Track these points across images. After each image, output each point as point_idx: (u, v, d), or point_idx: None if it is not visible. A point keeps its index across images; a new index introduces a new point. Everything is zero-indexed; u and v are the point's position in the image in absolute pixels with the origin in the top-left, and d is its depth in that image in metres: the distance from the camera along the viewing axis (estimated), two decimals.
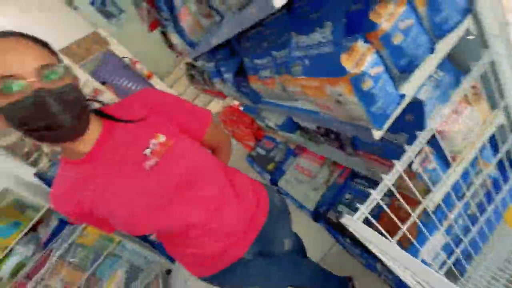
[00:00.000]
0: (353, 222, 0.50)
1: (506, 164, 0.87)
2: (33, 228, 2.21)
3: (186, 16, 1.02)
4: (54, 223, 2.18)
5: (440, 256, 0.92)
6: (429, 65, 0.64)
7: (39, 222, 2.26)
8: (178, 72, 5.21)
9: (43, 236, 2.18)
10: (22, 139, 2.45)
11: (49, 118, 0.50)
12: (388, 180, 0.65)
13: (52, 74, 0.51)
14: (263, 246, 0.84)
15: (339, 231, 1.11)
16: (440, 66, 0.78)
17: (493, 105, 0.82)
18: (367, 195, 1.14)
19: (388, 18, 0.55)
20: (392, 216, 0.70)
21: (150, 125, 0.65)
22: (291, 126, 1.38)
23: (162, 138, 0.64)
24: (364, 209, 0.62)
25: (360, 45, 0.53)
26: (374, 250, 0.55)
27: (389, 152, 0.82)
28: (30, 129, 0.51)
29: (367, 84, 0.55)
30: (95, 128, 0.62)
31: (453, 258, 0.89)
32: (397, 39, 0.57)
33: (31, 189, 2.04)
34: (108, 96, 3.59)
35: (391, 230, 0.99)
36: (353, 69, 0.53)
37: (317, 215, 1.29)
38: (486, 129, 0.82)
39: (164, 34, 2.36)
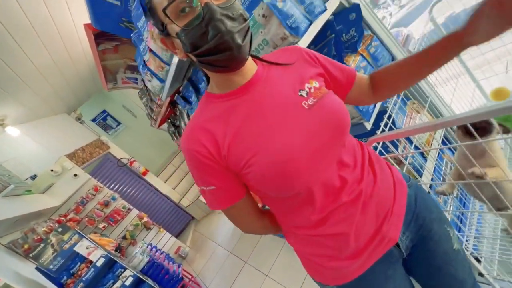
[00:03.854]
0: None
1: None
2: None
3: None
4: None
5: None
6: None
7: None
8: (171, 169, 5.58)
9: None
10: (23, 237, 2.36)
11: (223, 33, 0.47)
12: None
13: None
14: (418, 231, 0.63)
15: None
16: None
17: (434, 115, 1.25)
18: None
19: (352, 62, 1.02)
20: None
21: (303, 71, 0.61)
22: None
23: (316, 84, 0.59)
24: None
25: None
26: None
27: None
28: (199, 53, 0.50)
29: None
30: (251, 65, 0.59)
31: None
32: (361, 72, 1.02)
33: (30, 285, 1.86)
34: (106, 191, 3.69)
35: None
36: None
37: None
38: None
39: (174, 125, 2.86)
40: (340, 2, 1.06)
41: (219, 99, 0.58)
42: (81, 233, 2.17)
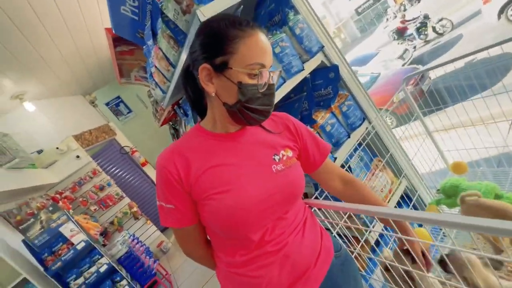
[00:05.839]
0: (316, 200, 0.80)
1: None
2: None
3: None
4: None
5: None
6: (349, 144, 1.17)
7: None
8: None
9: None
10: (17, 209, 2.54)
11: (268, 106, 0.63)
12: None
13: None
14: None
15: None
16: (363, 149, 1.32)
17: (395, 174, 1.32)
18: None
19: (321, 118, 1.12)
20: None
21: (283, 139, 0.72)
22: None
23: (290, 153, 0.70)
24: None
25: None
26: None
27: None
28: (247, 106, 0.60)
29: None
30: None
31: None
32: (328, 128, 1.12)
33: (13, 256, 2.02)
34: (104, 176, 3.87)
35: None
36: None
37: None
38: (397, 188, 1.29)
39: (174, 128, 3.02)
40: (322, 61, 1.17)
41: (209, 136, 0.67)
42: (69, 215, 2.32)
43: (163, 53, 1.40)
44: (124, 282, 2.39)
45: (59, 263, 2.13)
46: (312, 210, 0.82)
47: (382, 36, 11.68)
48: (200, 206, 0.63)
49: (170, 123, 3.13)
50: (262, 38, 0.59)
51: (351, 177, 0.81)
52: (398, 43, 8.34)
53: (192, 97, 0.72)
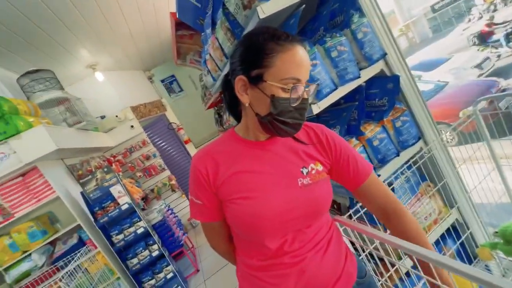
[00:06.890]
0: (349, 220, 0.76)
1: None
2: (52, 242, 2.41)
3: None
4: (73, 241, 2.38)
5: None
6: (396, 162, 1.08)
7: (58, 238, 2.47)
8: None
9: (57, 252, 2.35)
10: (80, 164, 2.95)
11: (299, 120, 0.61)
12: None
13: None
14: None
15: None
16: (412, 170, 1.20)
17: (446, 203, 1.18)
18: None
19: (370, 131, 1.04)
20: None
21: (315, 151, 0.70)
22: None
23: (320, 167, 0.68)
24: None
25: (353, 141, 1.01)
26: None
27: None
28: (278, 119, 0.60)
29: None
30: None
31: None
32: (375, 143, 1.04)
33: (73, 204, 2.37)
34: (151, 147, 4.24)
35: None
36: None
37: None
38: (444, 220, 1.16)
39: (219, 114, 3.12)
40: (382, 69, 1.08)
41: (240, 142, 0.70)
42: (119, 179, 2.61)
43: (219, 43, 1.43)
44: (155, 246, 2.64)
45: (106, 218, 2.43)
46: (342, 228, 0.78)
47: (458, 39, 10.24)
48: (224, 207, 0.67)
49: (216, 108, 3.25)
50: (300, 52, 0.58)
51: (397, 209, 0.70)
52: (479, 50, 7.21)
53: (228, 102, 0.74)
